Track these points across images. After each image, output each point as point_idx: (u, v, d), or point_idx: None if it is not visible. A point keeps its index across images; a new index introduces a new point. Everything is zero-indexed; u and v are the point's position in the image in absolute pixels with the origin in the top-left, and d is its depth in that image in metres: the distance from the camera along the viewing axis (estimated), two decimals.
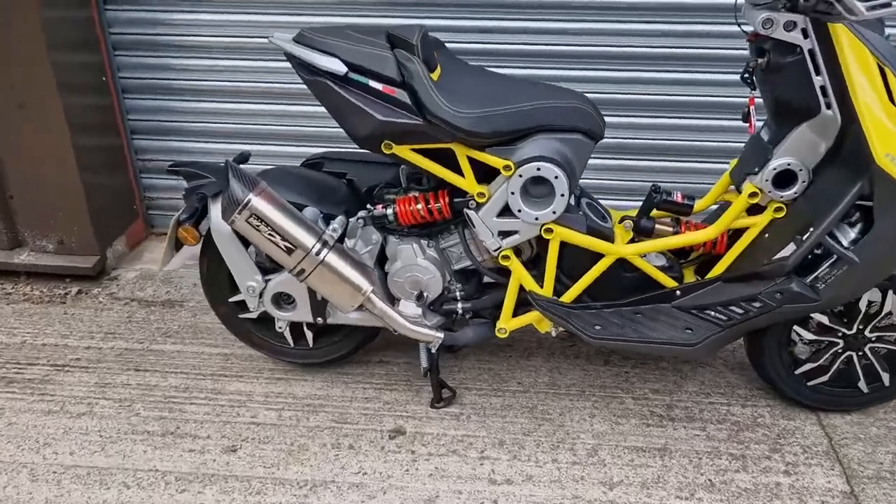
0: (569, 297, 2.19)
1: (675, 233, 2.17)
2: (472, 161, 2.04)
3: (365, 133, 2.00)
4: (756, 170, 2.02)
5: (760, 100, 2.08)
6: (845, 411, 2.36)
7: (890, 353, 2.23)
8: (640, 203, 2.23)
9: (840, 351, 2.22)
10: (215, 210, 2.20)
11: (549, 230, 2.08)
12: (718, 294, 2.09)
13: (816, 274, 1.97)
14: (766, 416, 2.38)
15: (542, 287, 2.18)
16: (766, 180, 2.00)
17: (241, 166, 2.19)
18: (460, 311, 2.27)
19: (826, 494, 2.07)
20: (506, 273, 2.21)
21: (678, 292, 2.16)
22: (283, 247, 2.05)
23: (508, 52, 3.06)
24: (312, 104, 3.22)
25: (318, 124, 3.29)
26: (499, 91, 2.05)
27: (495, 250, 2.11)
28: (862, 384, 2.26)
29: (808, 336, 2.20)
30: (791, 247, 1.97)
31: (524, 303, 2.24)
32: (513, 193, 2.03)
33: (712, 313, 2.10)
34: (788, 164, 1.97)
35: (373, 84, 1.96)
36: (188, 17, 3.16)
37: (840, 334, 2.20)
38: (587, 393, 2.49)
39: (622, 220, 2.23)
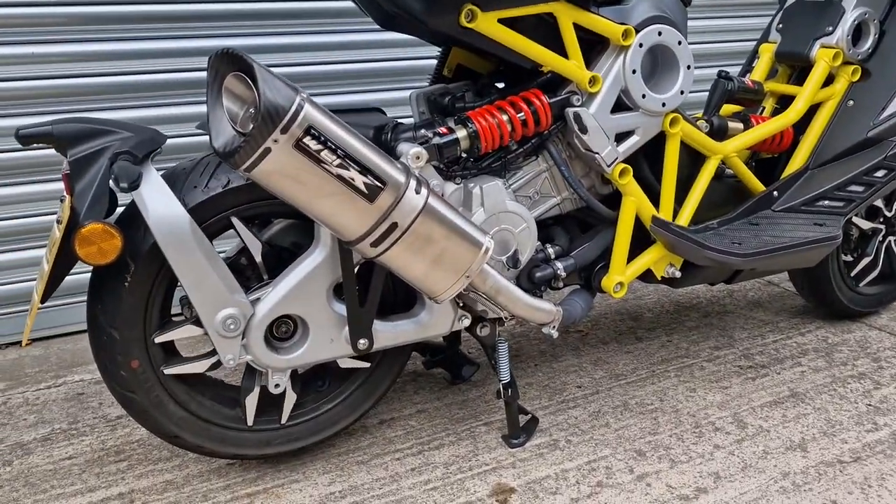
0: (684, 218, 1.65)
1: (746, 128, 1.80)
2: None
3: None
4: (830, 29, 1.78)
5: None
6: (877, 311, 2.21)
7: None
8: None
9: (882, 238, 2.08)
10: (154, 187, 1.20)
11: (674, 122, 1.54)
12: (822, 182, 1.77)
13: None
14: (831, 336, 2.10)
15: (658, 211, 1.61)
16: (848, 36, 1.77)
17: None
18: (562, 274, 1.54)
19: None
20: (611, 203, 1.58)
21: (775, 193, 1.78)
22: (360, 185, 1.14)
23: None
24: None
25: None
26: None
27: (610, 164, 1.49)
28: None
29: (865, 225, 2.01)
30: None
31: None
32: (634, 72, 1.46)
33: (826, 202, 1.76)
34: (866, 15, 1.77)
35: None
36: None
37: (882, 219, 2.06)
38: (658, 372, 1.93)
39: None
